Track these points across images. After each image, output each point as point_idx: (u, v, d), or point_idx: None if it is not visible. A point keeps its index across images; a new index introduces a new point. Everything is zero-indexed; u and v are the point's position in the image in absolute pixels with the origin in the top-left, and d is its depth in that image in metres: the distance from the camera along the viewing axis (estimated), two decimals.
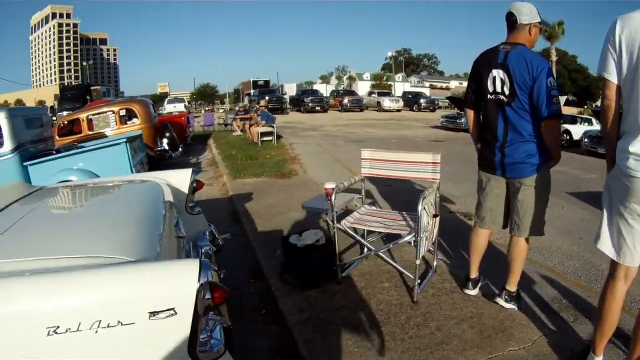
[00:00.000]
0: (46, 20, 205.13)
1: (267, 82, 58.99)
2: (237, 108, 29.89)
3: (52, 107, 54.28)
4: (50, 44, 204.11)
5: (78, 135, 12.83)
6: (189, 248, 3.71)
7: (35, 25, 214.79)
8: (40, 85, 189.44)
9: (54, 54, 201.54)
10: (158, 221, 3.16)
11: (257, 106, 20.21)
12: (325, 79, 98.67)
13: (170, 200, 4.01)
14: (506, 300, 3.88)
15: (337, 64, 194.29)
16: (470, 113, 4.05)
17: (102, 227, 2.99)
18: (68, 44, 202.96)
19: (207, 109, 69.50)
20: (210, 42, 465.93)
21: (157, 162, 12.82)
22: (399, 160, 4.72)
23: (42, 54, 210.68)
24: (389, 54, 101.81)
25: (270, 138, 16.22)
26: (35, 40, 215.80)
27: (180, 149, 13.44)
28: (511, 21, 3.58)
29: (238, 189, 9.24)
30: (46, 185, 4.94)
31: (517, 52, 3.47)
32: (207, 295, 2.11)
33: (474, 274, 4.19)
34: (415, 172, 4.61)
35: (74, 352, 2.06)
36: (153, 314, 2.00)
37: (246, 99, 48.68)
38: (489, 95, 3.65)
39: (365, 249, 4.85)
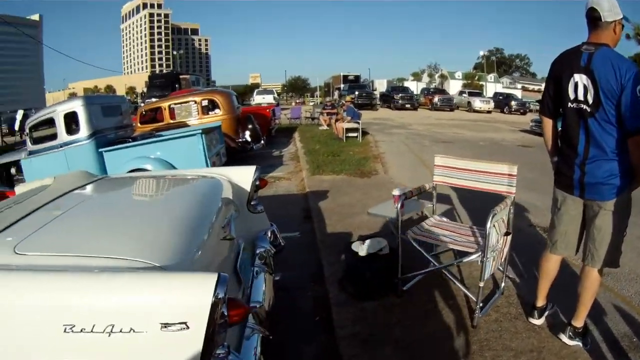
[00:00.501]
0: (137, 10, 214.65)
1: (357, 77, 59.13)
2: (326, 101, 30.02)
3: (142, 94, 56.58)
4: (141, 32, 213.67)
5: (159, 124, 13.28)
6: (239, 250, 3.66)
7: (126, 14, 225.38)
8: (131, 73, 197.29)
9: (145, 43, 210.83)
10: (204, 223, 3.13)
11: (343, 101, 20.18)
12: (417, 76, 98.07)
13: (228, 198, 3.98)
14: (570, 337, 3.55)
15: (429, 61, 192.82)
16: (547, 122, 3.69)
17: (139, 227, 3.02)
18: (159, 34, 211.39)
19: (297, 101, 70.40)
20: (304, 34, 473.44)
21: (238, 153, 13.05)
22: (472, 170, 4.45)
23: (133, 42, 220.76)
24: (481, 53, 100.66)
25: (355, 134, 16.06)
26: (126, 29, 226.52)
27: (262, 142, 13.56)
28: (593, 18, 3.16)
29: (315, 186, 9.26)
30: (107, 175, 5.20)
31: (602, 54, 3.06)
32: (224, 312, 2.04)
33: (540, 302, 3.88)
34: (489, 184, 4.34)
35: (86, 352, 2.09)
36: (165, 325, 1.96)
37: (336, 93, 49.01)
38: (569, 104, 3.28)
39: (431, 264, 4.57)
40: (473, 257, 3.77)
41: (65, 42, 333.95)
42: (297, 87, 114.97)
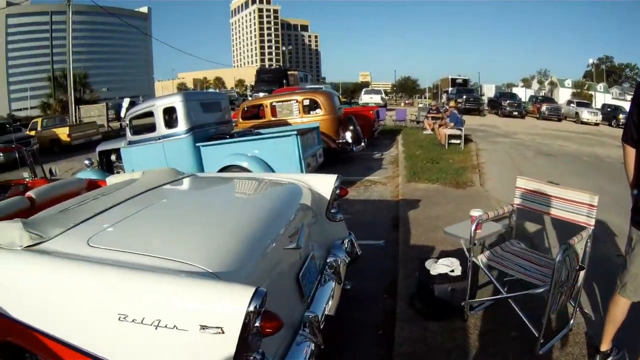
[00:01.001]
0: (246, 5, 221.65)
1: (465, 81, 58.29)
2: (431, 105, 29.76)
3: (251, 87, 57.98)
4: (250, 27, 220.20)
5: (261, 121, 13.72)
6: (306, 258, 3.80)
7: (235, 9, 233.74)
8: (240, 66, 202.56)
9: (255, 37, 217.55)
10: (269, 233, 3.37)
11: (447, 106, 19.98)
12: (526, 82, 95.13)
13: (306, 205, 4.19)
14: None
15: (539, 66, 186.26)
16: (630, 151, 3.35)
17: (203, 232, 3.39)
18: (269, 29, 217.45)
19: (406, 102, 69.99)
20: (416, 34, 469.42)
21: (338, 154, 13.27)
22: (552, 195, 4.32)
23: (243, 36, 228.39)
24: (590, 61, 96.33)
25: (457, 141, 15.85)
26: (236, 24, 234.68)
27: (363, 143, 13.60)
28: None
29: (408, 194, 9.30)
30: (193, 174, 5.50)
31: None
32: (257, 323, 2.27)
33: (605, 346, 3.63)
34: (568, 212, 4.18)
35: (134, 339, 2.49)
36: (203, 327, 2.28)
37: (444, 96, 48.44)
38: None
39: (500, 291, 4.43)
40: (539, 290, 3.68)
41: (176, 33, 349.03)
42: (406, 88, 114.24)
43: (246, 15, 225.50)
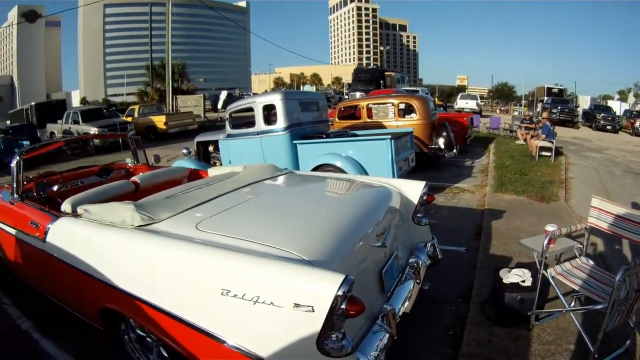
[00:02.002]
0: (344, 2, 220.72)
1: (561, 91, 55.87)
2: (530, 113, 29.09)
3: (347, 85, 58.22)
4: (349, 25, 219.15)
5: (356, 121, 14.08)
6: (390, 256, 4.11)
7: (333, 6, 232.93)
8: (337, 63, 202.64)
9: (353, 35, 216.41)
10: (359, 231, 3.73)
11: (540, 117, 19.69)
12: (623, 95, 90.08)
13: (395, 208, 4.53)
14: None
15: (636, 79, 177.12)
16: None
17: (301, 224, 3.81)
18: (367, 27, 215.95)
19: (502, 109, 68.42)
20: (515, 39, 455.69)
21: (429, 159, 13.48)
22: (624, 218, 4.44)
23: (341, 34, 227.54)
24: None
25: (548, 154, 15.58)
26: (334, 21, 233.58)
27: (455, 150, 13.59)
28: None
29: (494, 204, 9.43)
30: (291, 171, 6.02)
31: None
32: (343, 306, 2.62)
33: None
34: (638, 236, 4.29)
35: (232, 312, 2.95)
36: (297, 305, 2.68)
37: (539, 105, 47.17)
38: None
39: (567, 305, 4.53)
40: (598, 307, 3.85)
41: (274, 27, 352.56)
42: (502, 94, 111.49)
43: (345, 13, 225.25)
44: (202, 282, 3.14)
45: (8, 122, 44.02)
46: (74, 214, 4.59)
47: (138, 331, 4.04)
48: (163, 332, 3.42)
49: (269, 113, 10.39)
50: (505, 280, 4.73)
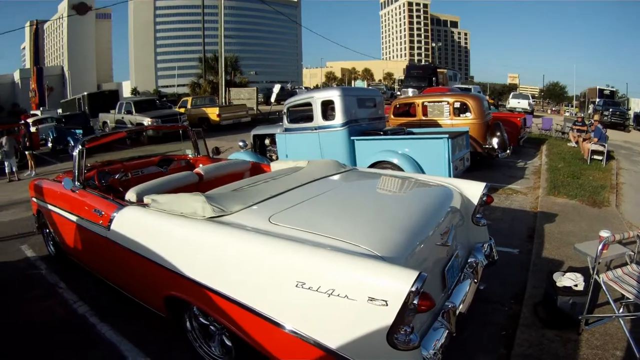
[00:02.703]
0: None
1: (613, 93, 53.90)
2: (581, 115, 28.55)
3: (399, 81, 57.87)
4: (400, 20, 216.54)
5: (412, 119, 14.05)
6: (452, 255, 4.24)
7: (384, 1, 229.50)
8: (388, 59, 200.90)
9: (404, 31, 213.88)
10: (426, 228, 3.86)
11: (592, 120, 19.42)
12: None
13: (456, 207, 4.63)
14: None
15: None
16: None
17: (371, 220, 3.94)
18: (418, 23, 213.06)
19: (553, 109, 67.01)
20: (568, 38, 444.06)
21: (483, 159, 13.40)
22: None
23: (392, 29, 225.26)
24: None
25: (600, 157, 15.30)
26: (385, 16, 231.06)
27: (508, 151, 13.48)
28: None
29: (546, 207, 9.43)
30: (355, 168, 6.25)
31: None
32: (415, 301, 2.73)
33: None
34: None
35: (306, 304, 3.05)
36: (371, 299, 2.77)
37: (590, 107, 46.10)
38: None
39: (618, 311, 4.60)
40: None
41: (325, 22, 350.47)
42: (553, 94, 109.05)
43: (396, 9, 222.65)
44: (277, 274, 3.23)
45: (59, 110, 45.31)
46: (140, 202, 4.80)
47: (201, 319, 4.23)
48: (231, 320, 3.56)
49: (327, 109, 10.49)
50: (559, 284, 4.81)
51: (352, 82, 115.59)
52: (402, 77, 48.99)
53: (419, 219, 3.99)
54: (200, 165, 7.18)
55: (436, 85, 36.74)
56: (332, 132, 10.33)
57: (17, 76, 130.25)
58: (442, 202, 4.59)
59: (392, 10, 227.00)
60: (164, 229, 4.26)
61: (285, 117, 11.37)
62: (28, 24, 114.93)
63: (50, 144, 26.76)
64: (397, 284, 2.75)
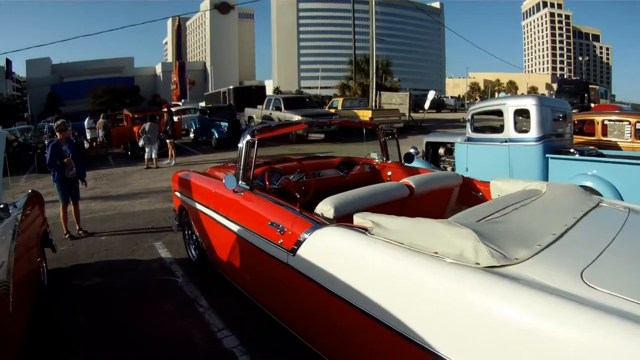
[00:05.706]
0: (537, 8, 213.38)
1: None
2: None
3: (550, 95, 55.57)
4: (542, 32, 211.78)
5: (589, 138, 12.49)
6: None
7: (526, 11, 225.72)
8: (531, 71, 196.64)
9: (547, 43, 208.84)
10: None
11: None
12: None
13: None
14: None
15: None
16: None
17: None
18: (560, 35, 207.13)
19: None
20: None
21: None
22: None
23: (534, 40, 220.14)
24: None
25: None
26: (527, 27, 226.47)
27: None
28: None
29: None
30: (602, 200, 4.15)
31: None
32: None
33: None
34: None
35: None
36: None
37: None
38: None
39: None
40: None
41: (466, 31, 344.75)
42: None
43: (538, 19, 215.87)
44: None
45: (202, 103, 46.68)
46: (346, 223, 3.38)
47: None
48: None
49: (520, 119, 9.34)
50: None
51: (496, 94, 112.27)
52: (546, 92, 46.61)
53: None
54: (408, 176, 5.13)
55: (588, 102, 34.38)
56: (525, 147, 9.05)
57: (158, 69, 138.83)
58: None
59: (534, 21, 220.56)
60: (403, 274, 2.70)
61: (468, 125, 10.17)
62: (170, 20, 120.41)
63: (192, 135, 27.60)
64: None
